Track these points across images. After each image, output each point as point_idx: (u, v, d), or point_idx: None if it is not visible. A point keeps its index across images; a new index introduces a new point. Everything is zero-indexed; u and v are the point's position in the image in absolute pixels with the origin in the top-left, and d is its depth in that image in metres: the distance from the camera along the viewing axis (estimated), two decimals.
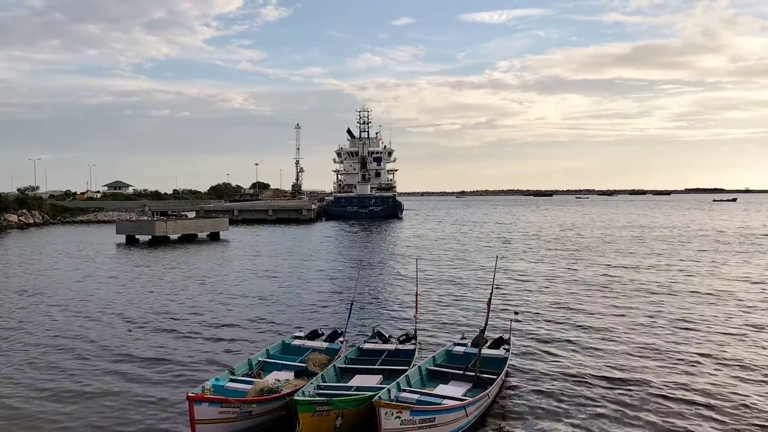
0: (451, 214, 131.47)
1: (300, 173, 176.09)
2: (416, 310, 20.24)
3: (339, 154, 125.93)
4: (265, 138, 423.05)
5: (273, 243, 59.61)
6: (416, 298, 21.09)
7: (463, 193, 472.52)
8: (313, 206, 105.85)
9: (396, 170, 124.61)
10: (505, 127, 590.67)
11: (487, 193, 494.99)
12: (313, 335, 19.24)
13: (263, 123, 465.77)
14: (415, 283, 27.21)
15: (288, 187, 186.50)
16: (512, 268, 38.31)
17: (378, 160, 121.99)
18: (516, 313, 24.01)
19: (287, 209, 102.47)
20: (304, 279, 34.92)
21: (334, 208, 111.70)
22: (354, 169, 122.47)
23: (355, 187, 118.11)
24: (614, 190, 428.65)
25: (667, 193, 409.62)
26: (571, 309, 25.89)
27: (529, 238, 62.09)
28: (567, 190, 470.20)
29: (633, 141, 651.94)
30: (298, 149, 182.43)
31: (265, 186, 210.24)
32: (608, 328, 22.57)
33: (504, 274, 35.35)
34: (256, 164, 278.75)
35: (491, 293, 17.55)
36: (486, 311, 17.09)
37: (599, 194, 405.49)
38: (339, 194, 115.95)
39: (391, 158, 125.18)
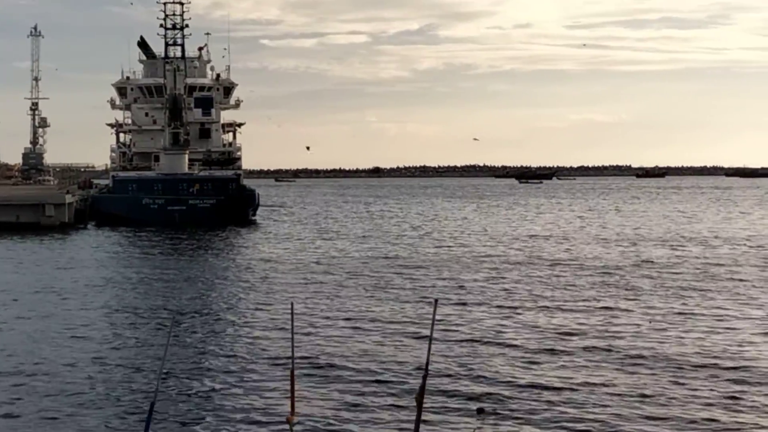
0: (362, 214, 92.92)
1: (41, 131, 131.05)
2: None
3: (122, 91, 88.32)
4: None
5: None
6: None
7: (377, 171, 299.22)
8: (70, 198, 78.57)
9: (242, 124, 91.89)
10: (456, 42, 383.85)
11: (423, 171, 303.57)
12: None
13: None
14: None
15: (15, 160, 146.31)
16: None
17: (205, 104, 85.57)
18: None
19: (13, 204, 77.13)
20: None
21: (113, 202, 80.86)
22: (155, 122, 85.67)
23: (157, 158, 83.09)
24: (665, 168, 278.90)
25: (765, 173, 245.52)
26: None
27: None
28: (579, 167, 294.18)
29: (698, 73, 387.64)
30: (35, 80, 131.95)
31: None
32: None
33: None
34: None
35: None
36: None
37: (639, 175, 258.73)
38: (123, 174, 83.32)
39: (232, 100, 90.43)
